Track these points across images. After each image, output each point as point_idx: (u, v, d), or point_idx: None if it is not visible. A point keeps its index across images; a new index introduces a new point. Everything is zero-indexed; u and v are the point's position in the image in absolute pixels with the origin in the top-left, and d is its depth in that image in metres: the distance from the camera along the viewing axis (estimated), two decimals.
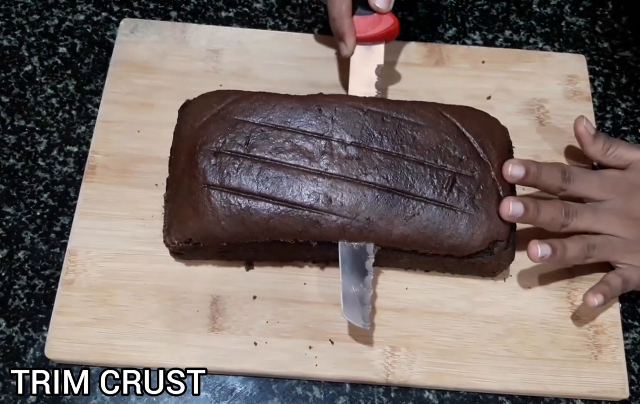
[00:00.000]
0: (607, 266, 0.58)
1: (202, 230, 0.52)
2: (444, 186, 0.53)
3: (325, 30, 0.70)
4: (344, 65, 0.65)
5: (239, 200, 0.52)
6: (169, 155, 0.57)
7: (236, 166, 0.53)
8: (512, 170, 0.53)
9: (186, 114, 0.56)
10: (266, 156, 0.53)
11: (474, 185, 0.53)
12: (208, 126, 0.54)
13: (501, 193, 0.53)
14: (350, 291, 0.52)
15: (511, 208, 0.52)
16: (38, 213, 0.60)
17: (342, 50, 0.59)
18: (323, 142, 0.54)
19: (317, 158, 0.53)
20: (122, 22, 0.67)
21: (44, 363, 0.54)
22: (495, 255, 0.53)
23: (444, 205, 0.52)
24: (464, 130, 0.55)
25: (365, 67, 0.59)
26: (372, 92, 0.59)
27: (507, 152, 0.55)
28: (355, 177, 0.53)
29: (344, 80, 0.64)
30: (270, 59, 0.66)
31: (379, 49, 0.60)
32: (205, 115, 0.55)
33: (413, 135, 0.54)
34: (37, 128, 0.63)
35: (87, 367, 0.54)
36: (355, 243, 0.52)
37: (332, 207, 0.52)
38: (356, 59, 0.60)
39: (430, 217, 0.52)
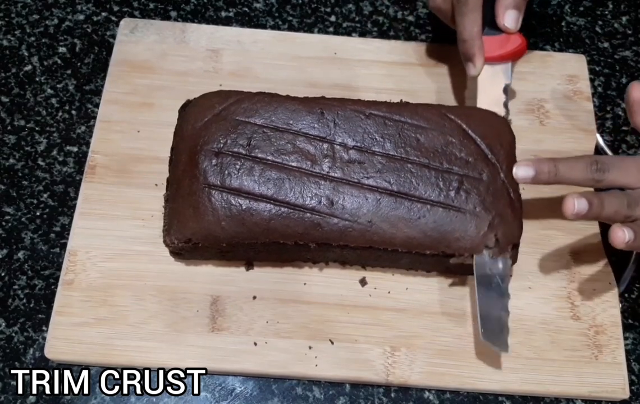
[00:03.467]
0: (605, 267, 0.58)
1: (202, 230, 0.52)
2: (450, 188, 0.53)
3: (325, 29, 0.70)
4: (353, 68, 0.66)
5: (239, 200, 0.52)
6: (169, 155, 0.57)
7: (237, 167, 0.53)
8: (517, 172, 0.51)
9: (187, 114, 0.56)
10: (268, 157, 0.53)
11: (482, 187, 0.53)
12: (209, 126, 0.54)
13: (512, 194, 0.53)
14: (490, 315, 0.52)
15: (576, 205, 0.49)
16: (38, 213, 0.60)
17: (469, 70, 0.59)
18: (325, 145, 0.54)
19: (319, 161, 0.53)
20: (122, 22, 0.67)
21: (43, 363, 0.54)
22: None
23: (451, 207, 0.52)
24: (469, 131, 0.55)
25: (493, 87, 0.59)
26: (501, 111, 0.58)
27: (515, 151, 0.55)
28: (357, 181, 0.53)
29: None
30: (270, 59, 0.66)
31: (506, 67, 0.60)
32: (207, 115, 0.55)
33: (417, 138, 0.54)
34: (37, 128, 0.63)
35: (87, 367, 0.54)
36: (490, 261, 0.52)
37: (333, 210, 0.52)
38: (483, 78, 0.59)
39: (437, 219, 0.52)
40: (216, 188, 0.52)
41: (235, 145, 0.54)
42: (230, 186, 0.52)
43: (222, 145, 0.54)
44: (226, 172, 0.53)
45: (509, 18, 0.58)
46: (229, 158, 0.53)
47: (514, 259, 0.54)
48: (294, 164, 0.53)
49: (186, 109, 0.57)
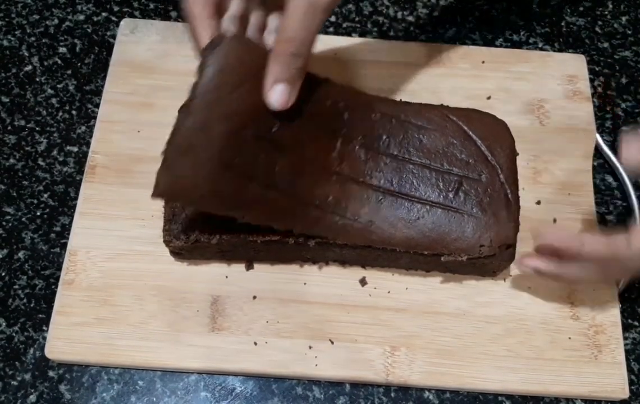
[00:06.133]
0: None
1: (200, 206, 0.50)
2: (450, 189, 0.53)
3: (325, 29, 0.70)
4: (343, 66, 0.66)
5: (250, 187, 0.49)
6: None
7: (256, 151, 0.49)
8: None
9: (223, 62, 0.48)
10: (287, 147, 0.51)
11: (481, 188, 0.53)
12: (243, 94, 0.48)
13: (510, 196, 0.53)
14: None
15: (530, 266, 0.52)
16: (38, 213, 0.60)
17: None
18: (337, 142, 0.53)
19: (330, 158, 0.53)
20: (122, 22, 0.67)
21: (44, 363, 0.54)
22: (497, 255, 0.53)
23: (449, 208, 0.52)
24: (470, 133, 0.55)
25: None
26: None
27: (514, 154, 0.55)
28: (361, 180, 0.53)
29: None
30: None
31: None
32: (244, 77, 0.49)
33: (420, 139, 0.54)
34: (37, 128, 0.64)
35: (87, 367, 0.54)
36: None
37: (335, 208, 0.52)
38: None
39: (435, 220, 0.52)
40: (230, 170, 0.48)
41: (261, 126, 0.49)
42: (244, 173, 0.49)
43: (250, 124, 0.49)
44: (245, 155, 0.49)
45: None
46: (252, 139, 0.49)
47: (512, 257, 0.54)
48: (308, 157, 0.52)
49: (220, 51, 0.48)
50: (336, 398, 0.54)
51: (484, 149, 0.54)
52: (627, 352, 0.56)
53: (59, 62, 0.67)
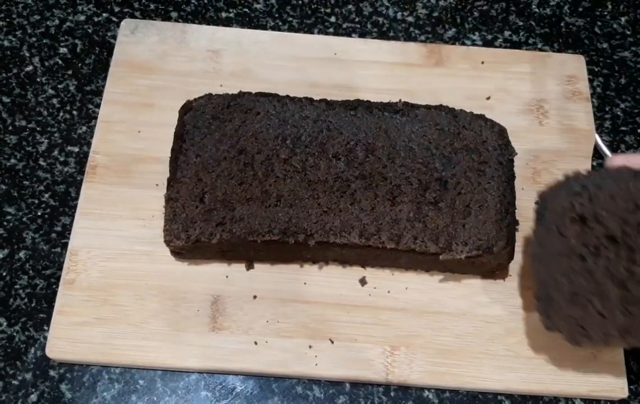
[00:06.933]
0: None
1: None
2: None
3: (325, 30, 0.70)
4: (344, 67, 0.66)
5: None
6: (169, 155, 0.57)
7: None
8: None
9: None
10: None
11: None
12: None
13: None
14: None
15: None
16: (39, 213, 0.60)
17: None
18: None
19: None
20: (122, 23, 0.67)
21: (45, 362, 0.54)
22: (495, 254, 0.53)
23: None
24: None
25: None
26: None
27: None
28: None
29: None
30: (270, 60, 0.66)
31: None
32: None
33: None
34: (38, 129, 0.64)
35: (87, 366, 0.54)
36: None
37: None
38: None
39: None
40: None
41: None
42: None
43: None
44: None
45: None
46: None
47: (510, 256, 0.55)
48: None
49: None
50: (336, 398, 0.54)
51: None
52: (626, 352, 0.56)
53: (60, 62, 0.67)
